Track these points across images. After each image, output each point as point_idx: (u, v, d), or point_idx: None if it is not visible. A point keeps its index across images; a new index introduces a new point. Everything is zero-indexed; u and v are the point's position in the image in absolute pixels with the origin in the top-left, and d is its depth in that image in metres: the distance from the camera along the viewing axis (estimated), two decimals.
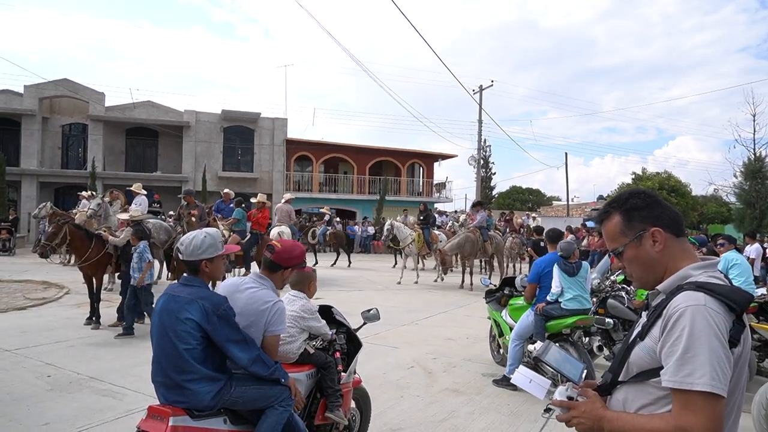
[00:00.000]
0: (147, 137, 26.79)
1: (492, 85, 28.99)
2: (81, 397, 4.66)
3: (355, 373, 3.62)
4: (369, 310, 3.84)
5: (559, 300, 5.07)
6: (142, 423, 2.37)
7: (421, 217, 14.85)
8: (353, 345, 3.58)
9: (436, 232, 15.11)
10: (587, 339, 5.69)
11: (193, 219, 8.26)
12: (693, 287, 1.38)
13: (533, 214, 24.57)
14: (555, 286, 5.09)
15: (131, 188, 11.43)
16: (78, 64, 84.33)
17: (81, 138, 25.55)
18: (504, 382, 5.35)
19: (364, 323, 3.84)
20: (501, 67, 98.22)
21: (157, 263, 11.95)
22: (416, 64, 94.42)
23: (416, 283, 13.31)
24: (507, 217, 19.87)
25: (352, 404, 3.65)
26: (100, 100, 24.41)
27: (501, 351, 6.06)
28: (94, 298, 7.48)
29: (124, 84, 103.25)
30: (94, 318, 7.37)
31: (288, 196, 13.43)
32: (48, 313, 8.19)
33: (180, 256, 2.66)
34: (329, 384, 3.17)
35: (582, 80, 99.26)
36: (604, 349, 5.86)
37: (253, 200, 12.07)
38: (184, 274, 2.69)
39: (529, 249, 16.74)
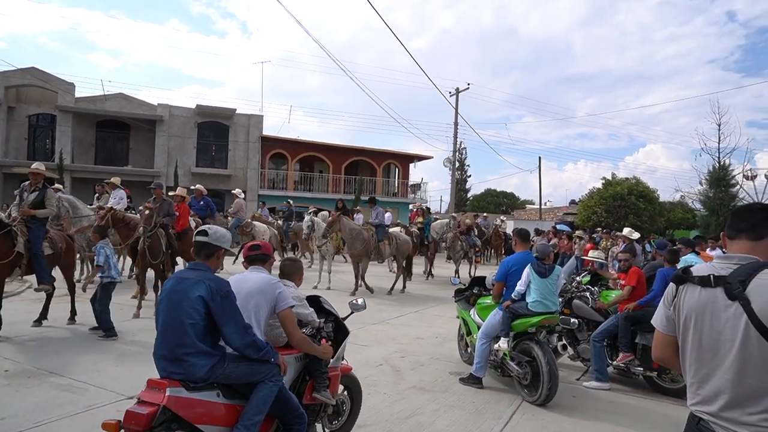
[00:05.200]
0: (118, 130, 26.18)
1: (468, 88, 29.31)
2: (40, 392, 4.54)
3: (343, 359, 3.79)
4: (356, 300, 4.08)
5: (526, 299, 5.14)
6: (142, 394, 2.58)
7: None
8: (341, 333, 3.76)
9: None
10: (554, 338, 5.81)
11: (147, 213, 8.06)
12: None
13: (502, 217, 24.73)
14: (520, 284, 5.15)
15: (109, 181, 11.25)
16: (47, 53, 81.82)
17: (49, 129, 24.81)
18: (471, 380, 5.42)
19: (351, 312, 4.02)
20: (480, 71, 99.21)
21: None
22: (395, 65, 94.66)
23: (329, 288, 11.41)
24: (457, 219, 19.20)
25: (344, 391, 3.87)
26: (69, 90, 23.78)
27: (469, 350, 6.13)
28: None
29: (96, 76, 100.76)
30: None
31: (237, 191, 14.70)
32: (8, 307, 7.89)
33: (200, 239, 2.96)
34: (316, 367, 3.40)
35: (559, 86, 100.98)
36: (569, 348, 5.98)
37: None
38: (194, 261, 2.98)
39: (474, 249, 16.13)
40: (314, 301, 3.82)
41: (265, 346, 2.89)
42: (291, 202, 19.34)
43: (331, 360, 3.50)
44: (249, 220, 14.22)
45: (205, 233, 2.97)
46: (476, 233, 16.76)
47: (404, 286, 12.31)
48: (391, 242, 12.07)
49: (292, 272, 3.65)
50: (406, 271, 12.76)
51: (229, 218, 13.96)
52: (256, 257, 3.39)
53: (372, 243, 11.49)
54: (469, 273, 15.07)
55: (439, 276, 15.19)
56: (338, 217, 11.25)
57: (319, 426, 3.63)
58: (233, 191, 14.97)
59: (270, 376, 2.90)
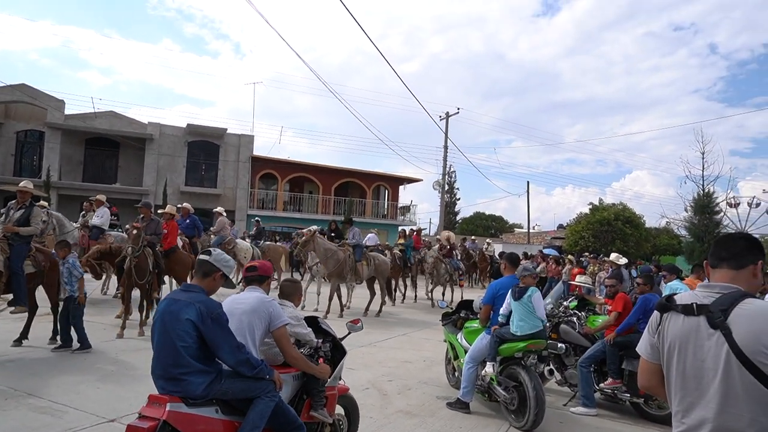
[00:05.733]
0: (108, 148, 26.08)
1: (458, 113, 29.71)
2: (17, 415, 4.42)
3: (340, 379, 3.84)
4: (354, 321, 4.18)
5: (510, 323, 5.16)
6: (143, 409, 2.65)
7: (332, 234, 13.02)
8: (339, 353, 3.84)
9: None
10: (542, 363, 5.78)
11: (134, 232, 8.02)
12: None
13: (488, 240, 25.15)
14: (503, 307, 5.21)
15: (95, 198, 11.19)
16: (38, 70, 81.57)
17: (37, 145, 24.66)
18: (458, 404, 5.37)
19: (349, 333, 4.10)
20: (470, 95, 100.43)
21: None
22: (387, 88, 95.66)
23: (316, 310, 10.86)
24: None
25: (342, 411, 3.92)
26: (59, 107, 23.73)
27: (456, 374, 6.09)
28: None
29: (87, 93, 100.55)
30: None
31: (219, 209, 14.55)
32: None
33: (203, 258, 3.09)
34: (314, 385, 3.46)
35: (547, 112, 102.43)
36: (555, 373, 5.96)
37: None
38: (187, 282, 3.14)
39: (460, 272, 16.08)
40: (312, 322, 3.88)
41: (259, 363, 2.96)
42: (259, 220, 19.04)
43: (329, 379, 3.56)
44: (231, 238, 14.15)
45: (209, 253, 3.13)
46: (459, 257, 16.57)
47: (368, 308, 11.81)
48: (370, 263, 11.80)
49: (291, 293, 3.75)
50: (387, 294, 12.57)
51: (212, 236, 13.89)
52: (253, 278, 3.48)
53: (349, 263, 11.16)
54: (452, 297, 14.39)
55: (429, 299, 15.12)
56: (312, 235, 10.91)
57: None
58: (215, 209, 14.88)
59: (266, 392, 2.98)
